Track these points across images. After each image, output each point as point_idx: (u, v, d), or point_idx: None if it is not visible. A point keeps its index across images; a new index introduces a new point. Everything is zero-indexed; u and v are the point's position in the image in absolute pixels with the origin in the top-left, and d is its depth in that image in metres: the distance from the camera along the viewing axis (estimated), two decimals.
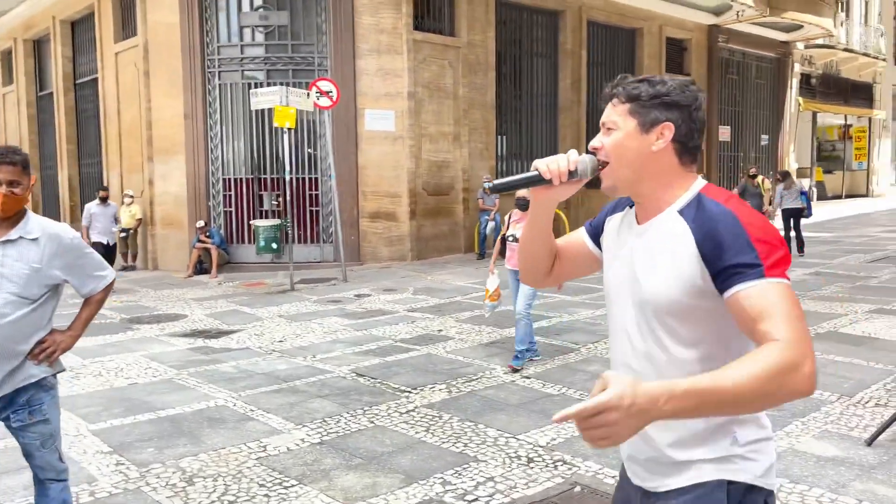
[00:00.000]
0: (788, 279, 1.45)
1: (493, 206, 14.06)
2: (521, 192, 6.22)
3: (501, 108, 15.76)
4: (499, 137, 15.76)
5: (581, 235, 1.88)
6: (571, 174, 1.67)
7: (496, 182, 1.74)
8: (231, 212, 13.58)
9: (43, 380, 2.85)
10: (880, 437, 4.29)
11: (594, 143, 1.66)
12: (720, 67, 21.11)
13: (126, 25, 14.78)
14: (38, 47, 19.17)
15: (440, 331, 7.76)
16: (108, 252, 11.74)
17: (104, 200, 12.29)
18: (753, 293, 1.41)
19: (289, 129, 10.98)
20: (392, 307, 9.23)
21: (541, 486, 3.83)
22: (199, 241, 12.97)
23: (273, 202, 13.38)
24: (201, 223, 12.91)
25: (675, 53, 19.91)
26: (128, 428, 4.81)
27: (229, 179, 13.56)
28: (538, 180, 1.68)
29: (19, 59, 19.35)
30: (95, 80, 15.78)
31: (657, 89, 1.60)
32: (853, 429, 4.54)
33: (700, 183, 1.62)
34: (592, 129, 17.40)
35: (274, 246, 12.25)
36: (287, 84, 12.00)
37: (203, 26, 13.21)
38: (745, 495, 1.55)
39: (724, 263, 1.45)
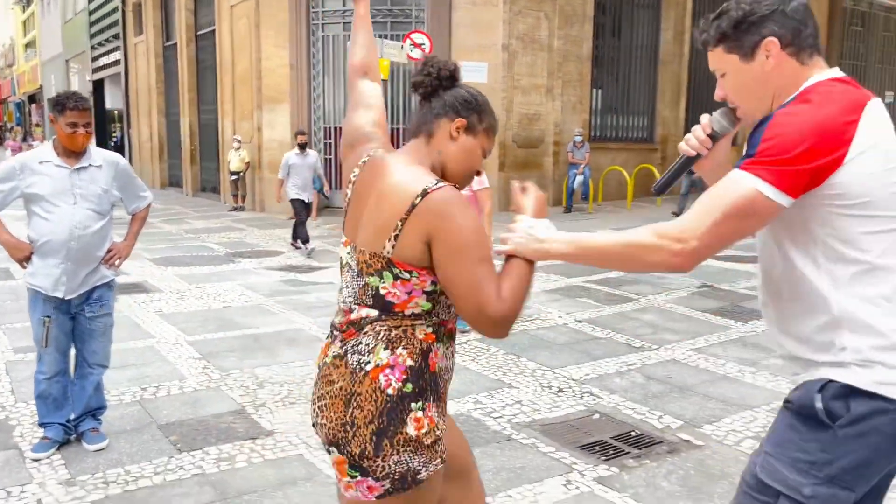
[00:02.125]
0: (763, 177, 1.44)
1: (582, 159, 14.14)
2: None
3: (598, 60, 15.61)
4: (594, 91, 15.67)
5: None
6: (713, 137, 1.69)
7: (658, 185, 1.80)
8: (331, 159, 14.37)
9: (111, 280, 3.53)
10: None
11: (717, 94, 1.68)
12: (842, 18, 19.80)
13: None
14: (164, 0, 20.53)
15: None
16: (307, 209, 9.75)
17: (303, 148, 9.89)
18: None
19: (382, 80, 11.49)
20: None
21: (563, 412, 4.23)
22: None
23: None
24: None
25: None
26: (217, 341, 5.57)
27: (329, 128, 14.32)
28: (689, 161, 1.72)
29: (148, 11, 20.82)
30: (213, 31, 16.87)
31: (738, 15, 1.56)
32: None
33: (815, 78, 1.56)
34: (694, 84, 16.95)
35: None
36: (384, 36, 12.49)
37: None
38: (847, 397, 1.49)
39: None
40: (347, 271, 1.76)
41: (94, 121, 3.51)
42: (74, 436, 3.65)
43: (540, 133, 14.56)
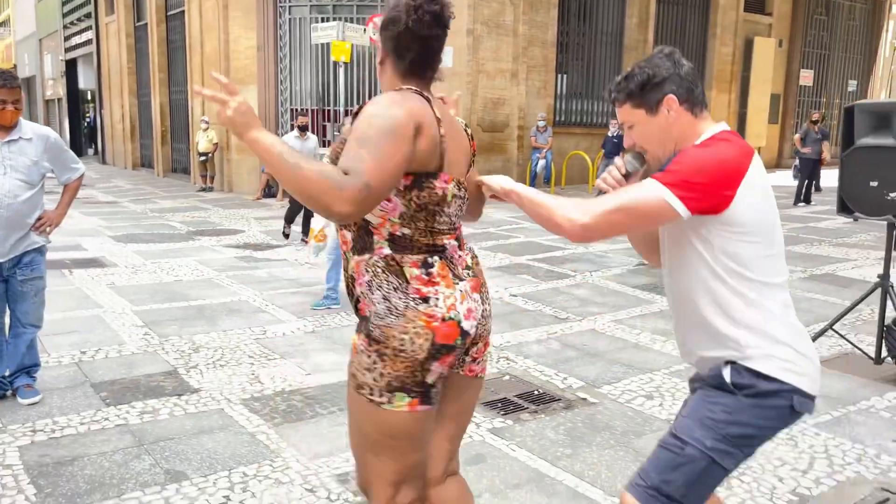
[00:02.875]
0: (669, 187, 1.72)
1: (545, 144, 14.44)
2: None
3: (565, 46, 15.89)
4: (559, 76, 15.95)
5: None
6: (626, 176, 1.96)
7: None
8: None
9: (41, 246, 3.78)
10: None
11: (626, 143, 1.97)
12: (806, 6, 20.18)
13: None
14: None
15: None
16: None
17: (303, 131, 9.48)
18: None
19: (344, 62, 11.70)
20: None
21: None
22: None
23: (335, 132, 14.24)
24: None
25: None
26: (162, 311, 5.82)
27: (296, 109, 14.50)
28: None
29: None
30: (183, 12, 16.92)
31: (641, 79, 1.87)
32: None
33: (711, 129, 1.89)
34: None
35: None
36: (350, 20, 12.68)
37: None
38: (754, 376, 1.82)
39: None
40: (456, 200, 1.89)
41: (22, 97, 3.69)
42: (10, 391, 3.90)
43: (505, 117, 14.83)
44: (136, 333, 5.19)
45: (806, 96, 21.22)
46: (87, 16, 23.61)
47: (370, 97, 12.24)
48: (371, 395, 1.81)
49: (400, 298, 1.78)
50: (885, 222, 4.36)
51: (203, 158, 15.49)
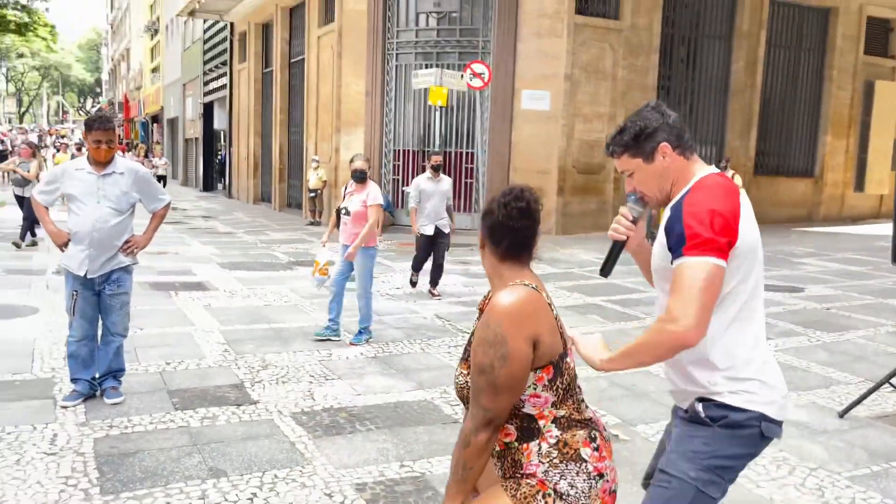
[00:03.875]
0: (712, 255, 1.84)
1: None
2: (358, 165, 6.22)
3: (668, 90, 15.81)
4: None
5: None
6: (634, 220, 2.16)
7: (604, 270, 2.21)
8: (398, 179, 15.27)
9: (127, 266, 4.35)
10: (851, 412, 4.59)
11: (627, 188, 2.15)
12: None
13: (328, 12, 16.94)
14: (265, 31, 22.29)
15: None
16: (432, 246, 8.29)
17: (437, 171, 8.35)
18: (675, 270, 1.90)
19: (441, 106, 12.26)
20: None
21: None
22: None
23: None
24: None
25: (879, 34, 18.34)
26: (244, 331, 6.38)
27: (399, 150, 15.24)
28: (621, 244, 2.17)
29: (251, 40, 22.64)
30: (303, 60, 18.25)
31: (634, 131, 2.05)
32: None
33: (700, 174, 2.04)
34: (766, 114, 16.81)
35: None
36: (452, 66, 13.28)
37: (385, 13, 14.90)
38: (725, 409, 1.98)
39: (669, 242, 1.94)
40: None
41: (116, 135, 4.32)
42: (99, 392, 4.49)
43: (602, 159, 14.87)
44: (216, 350, 5.74)
45: None
46: (224, 63, 25.81)
47: (466, 141, 12.62)
48: None
49: (584, 480, 1.93)
50: None
51: (312, 195, 16.50)
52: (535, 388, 1.90)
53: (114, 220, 4.25)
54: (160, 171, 27.06)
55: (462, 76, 12.57)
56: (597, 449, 1.96)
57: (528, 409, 1.93)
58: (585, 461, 1.92)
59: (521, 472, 1.93)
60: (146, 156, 31.85)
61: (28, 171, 11.37)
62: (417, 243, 8.53)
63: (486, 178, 13.68)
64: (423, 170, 15.31)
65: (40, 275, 8.79)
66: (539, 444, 1.94)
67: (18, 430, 3.96)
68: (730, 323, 1.97)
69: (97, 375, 4.49)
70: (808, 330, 6.97)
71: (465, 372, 1.99)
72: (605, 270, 2.22)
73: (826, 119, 17.98)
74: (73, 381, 4.44)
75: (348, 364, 5.53)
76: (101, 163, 4.24)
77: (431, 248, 8.38)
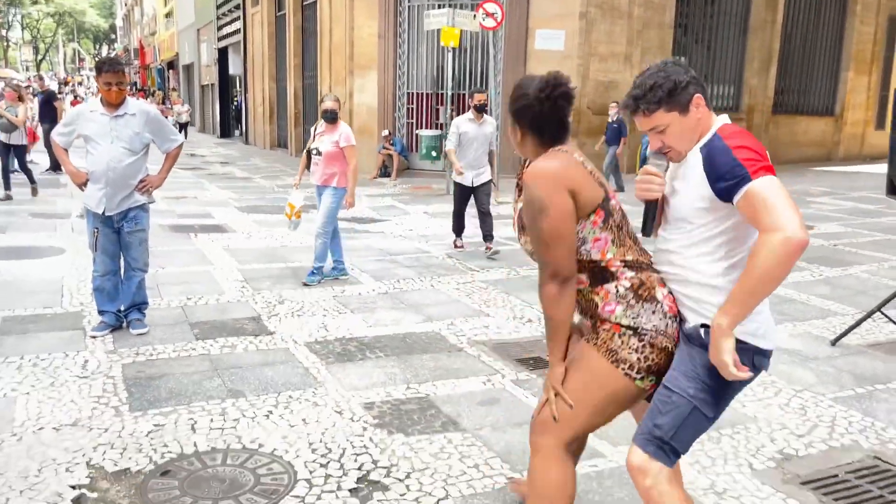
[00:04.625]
0: (771, 173, 1.92)
1: None
2: (328, 105, 6.05)
3: (686, 28, 15.55)
4: (677, 58, 15.61)
5: None
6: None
7: (645, 229, 2.25)
8: (412, 123, 15.30)
9: (143, 205, 4.56)
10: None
11: (654, 145, 2.16)
12: None
13: None
14: None
15: None
16: (469, 195, 7.39)
17: (480, 112, 7.29)
18: (747, 198, 1.94)
19: (453, 48, 12.20)
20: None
21: (521, 335, 4.93)
22: (384, 147, 14.91)
23: (447, 116, 14.82)
24: (386, 132, 14.79)
25: None
26: (262, 270, 6.63)
27: (412, 94, 15.22)
28: (655, 202, 2.22)
29: None
30: (316, 2, 18.09)
31: (669, 86, 2.07)
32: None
33: (718, 123, 2.12)
34: (787, 51, 16.48)
35: (434, 154, 13.77)
36: (463, 6, 13.15)
37: None
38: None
39: (717, 180, 1.98)
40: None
41: (127, 78, 4.44)
42: (125, 323, 4.76)
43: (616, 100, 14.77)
44: (235, 287, 6.00)
45: None
46: (237, 7, 25.60)
47: (479, 83, 12.57)
48: (630, 370, 2.14)
49: (661, 319, 2.13)
50: None
51: None
52: (594, 232, 2.11)
53: (127, 160, 4.44)
54: (183, 118, 27.15)
55: (475, 16, 12.45)
56: (670, 293, 2.18)
57: (594, 255, 2.14)
58: (660, 301, 2.13)
59: (599, 315, 2.16)
60: (163, 102, 31.96)
61: (16, 116, 10.77)
62: (455, 195, 7.59)
63: (500, 121, 13.63)
64: (437, 113, 15.43)
65: (65, 218, 9.08)
66: (616, 287, 2.16)
67: (52, 356, 4.25)
68: (738, 257, 2.08)
69: (122, 308, 4.76)
70: (811, 265, 7.08)
71: (528, 238, 2.23)
72: (647, 230, 2.28)
73: (848, 56, 17.61)
74: (101, 313, 4.71)
75: (360, 300, 5.76)
76: (113, 104, 4.40)
77: (467, 200, 7.49)
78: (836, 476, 3.11)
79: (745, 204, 1.95)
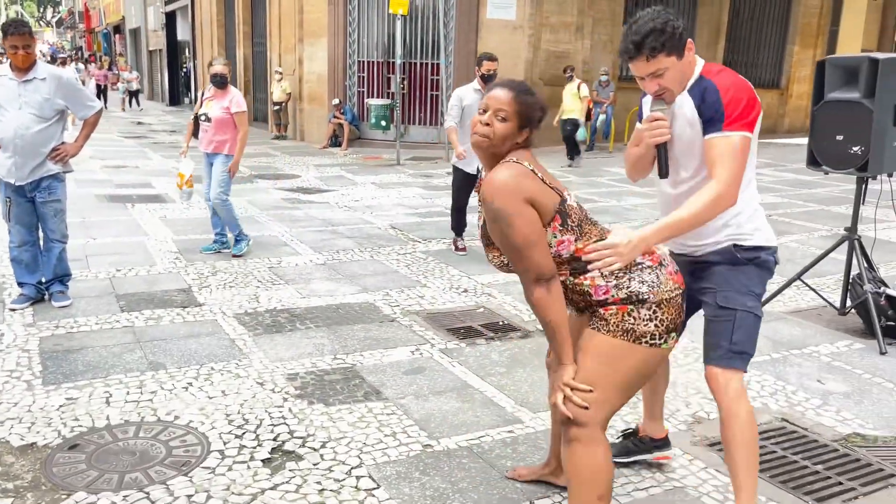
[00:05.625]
0: (745, 129, 2.20)
1: (607, 99, 14.34)
2: (218, 69, 5.90)
3: (636, 0, 15.57)
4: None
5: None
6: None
7: (661, 171, 2.40)
8: (363, 91, 15.09)
9: (57, 174, 4.41)
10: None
11: (650, 90, 2.31)
12: None
13: None
14: None
15: None
16: (472, 183, 5.90)
17: (487, 81, 5.85)
18: (713, 143, 2.23)
19: (402, 15, 12.02)
20: None
21: (454, 305, 4.94)
22: (335, 116, 14.69)
23: (399, 84, 14.65)
24: (336, 101, 14.56)
25: None
26: (198, 241, 6.50)
27: (363, 62, 14.99)
28: (665, 144, 2.37)
29: None
30: None
31: (671, 29, 2.20)
32: None
33: (700, 64, 2.33)
34: (735, 24, 16.65)
35: (383, 123, 13.63)
36: None
37: None
38: (754, 251, 2.41)
39: (705, 118, 2.24)
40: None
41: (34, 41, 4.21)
42: (47, 296, 4.63)
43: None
44: (168, 258, 5.88)
45: None
46: None
47: (430, 52, 12.43)
48: (653, 339, 2.15)
49: (650, 274, 2.16)
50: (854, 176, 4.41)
51: (277, 108, 16.29)
52: (555, 237, 2.13)
53: (36, 127, 4.27)
54: (133, 86, 26.33)
55: None
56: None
57: (565, 255, 2.16)
58: (641, 262, 2.18)
59: (594, 300, 2.17)
60: (110, 68, 30.89)
61: None
62: (454, 182, 6.32)
63: (451, 91, 13.50)
64: (388, 82, 15.24)
65: None
66: (599, 270, 2.17)
67: None
68: (748, 182, 2.36)
69: (44, 280, 4.62)
70: None
71: (496, 254, 2.25)
72: (664, 171, 2.43)
73: (794, 29, 17.87)
74: (20, 285, 4.57)
75: (297, 270, 5.70)
76: (21, 69, 4.22)
77: (470, 191, 6.12)
78: None
79: (708, 146, 2.25)
